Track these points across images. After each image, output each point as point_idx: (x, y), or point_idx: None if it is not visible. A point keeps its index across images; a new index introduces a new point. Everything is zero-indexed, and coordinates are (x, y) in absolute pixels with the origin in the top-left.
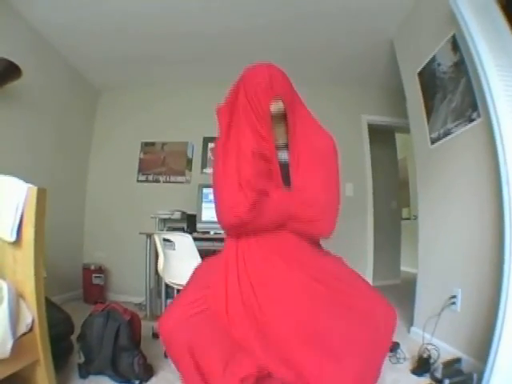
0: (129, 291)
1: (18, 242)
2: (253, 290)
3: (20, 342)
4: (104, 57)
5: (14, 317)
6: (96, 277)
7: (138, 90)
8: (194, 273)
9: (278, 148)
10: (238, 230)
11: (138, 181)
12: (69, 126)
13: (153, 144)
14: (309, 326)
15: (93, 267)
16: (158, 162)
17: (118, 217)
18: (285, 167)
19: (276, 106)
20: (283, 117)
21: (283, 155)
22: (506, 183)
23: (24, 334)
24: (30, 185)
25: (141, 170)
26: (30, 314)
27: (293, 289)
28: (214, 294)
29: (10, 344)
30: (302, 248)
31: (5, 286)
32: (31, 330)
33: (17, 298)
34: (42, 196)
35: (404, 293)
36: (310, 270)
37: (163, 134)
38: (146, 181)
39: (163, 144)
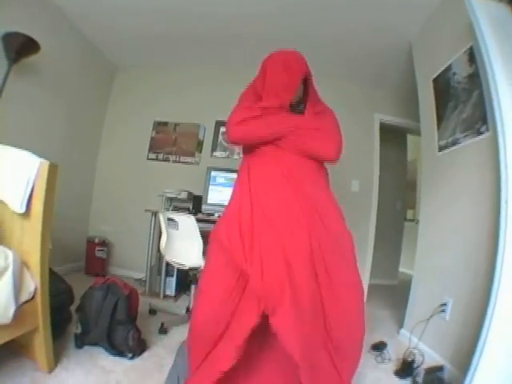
0: (130, 266)
1: (26, 213)
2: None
3: (22, 309)
4: (122, 34)
5: (18, 284)
6: (99, 250)
7: (154, 70)
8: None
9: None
10: (242, 128)
11: (148, 158)
12: (84, 102)
13: (165, 124)
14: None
15: (97, 240)
16: (169, 141)
17: (125, 193)
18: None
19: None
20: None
21: (299, 107)
22: (504, 201)
23: (26, 302)
24: (42, 159)
25: (152, 149)
26: (33, 283)
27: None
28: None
29: (12, 310)
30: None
31: (10, 254)
32: (33, 298)
33: (21, 266)
34: (53, 171)
35: (399, 294)
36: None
37: (176, 115)
38: (156, 159)
39: (176, 124)
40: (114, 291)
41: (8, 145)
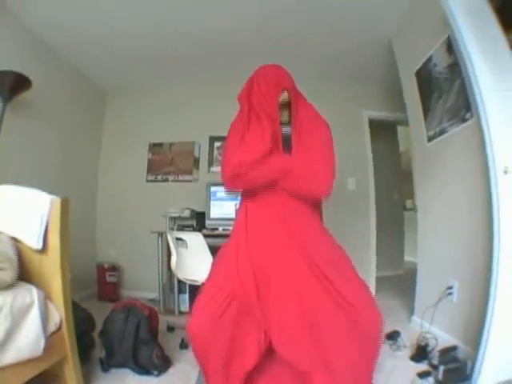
0: (141, 287)
1: (43, 248)
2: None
3: (50, 341)
4: (110, 59)
5: (45, 317)
6: (110, 275)
7: (144, 91)
8: (212, 265)
9: (282, 124)
10: (236, 181)
11: (147, 181)
12: (78, 130)
13: (160, 145)
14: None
15: (106, 265)
16: (166, 161)
17: (129, 216)
18: (287, 139)
19: (282, 96)
20: (288, 104)
21: (286, 129)
22: (494, 181)
23: (53, 333)
24: (53, 196)
25: (150, 170)
26: (57, 314)
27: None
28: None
29: (42, 343)
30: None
31: (34, 289)
32: (59, 328)
33: (45, 299)
34: (65, 205)
35: (407, 283)
36: (308, 250)
37: (170, 135)
38: (155, 180)
39: (171, 144)
40: (135, 313)
41: (9, 182)
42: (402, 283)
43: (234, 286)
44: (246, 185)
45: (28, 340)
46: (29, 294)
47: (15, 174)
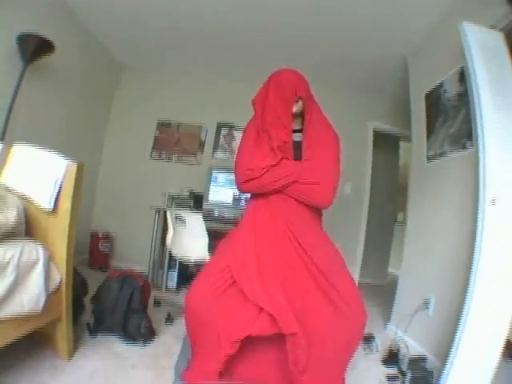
0: (132, 260)
1: (53, 211)
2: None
3: (49, 299)
4: (130, 35)
5: (48, 276)
6: (103, 244)
7: (160, 71)
8: (219, 247)
9: (294, 131)
10: (250, 184)
11: (151, 157)
12: (90, 100)
13: (169, 124)
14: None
15: (100, 235)
16: (172, 141)
17: (128, 190)
18: (297, 145)
19: (297, 106)
20: (301, 114)
21: (297, 137)
22: (481, 209)
23: (52, 293)
24: (69, 161)
25: (155, 148)
26: (58, 275)
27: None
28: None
29: (43, 300)
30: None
31: (40, 249)
32: (58, 289)
33: (49, 259)
34: (80, 171)
35: (387, 293)
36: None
37: (179, 116)
38: (159, 159)
39: (179, 125)
40: (130, 282)
41: (19, 140)
42: (382, 293)
43: (237, 271)
44: (258, 189)
45: (30, 296)
46: (35, 251)
47: (25, 133)
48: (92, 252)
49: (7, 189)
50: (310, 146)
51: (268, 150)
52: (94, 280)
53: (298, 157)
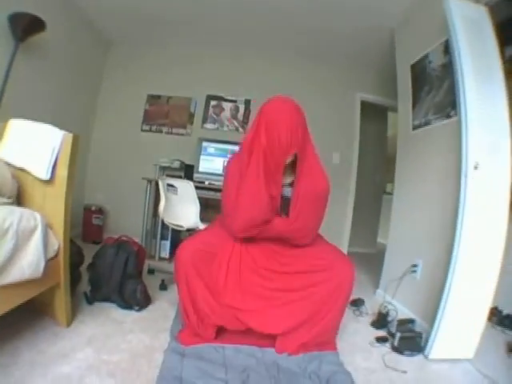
0: (125, 232)
1: (50, 180)
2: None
3: (48, 265)
4: (118, 9)
5: (46, 242)
6: (96, 217)
7: (148, 45)
8: (213, 224)
9: (283, 186)
10: (246, 233)
11: (142, 130)
12: (79, 75)
13: (158, 97)
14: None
15: (93, 208)
16: (162, 113)
17: (120, 162)
18: (286, 200)
19: (290, 158)
20: (293, 163)
21: (287, 192)
22: (464, 175)
23: (51, 259)
24: (64, 131)
25: (145, 121)
26: (56, 242)
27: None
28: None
29: (42, 265)
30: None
31: (38, 215)
32: (56, 255)
33: (46, 226)
34: (76, 141)
35: (376, 261)
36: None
37: (169, 89)
38: (150, 131)
39: (168, 98)
40: (125, 248)
41: (13, 115)
42: (372, 261)
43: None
44: (254, 235)
45: (30, 261)
46: (33, 218)
47: (18, 110)
48: (85, 226)
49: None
50: (297, 203)
51: (257, 201)
52: (89, 252)
53: (284, 209)
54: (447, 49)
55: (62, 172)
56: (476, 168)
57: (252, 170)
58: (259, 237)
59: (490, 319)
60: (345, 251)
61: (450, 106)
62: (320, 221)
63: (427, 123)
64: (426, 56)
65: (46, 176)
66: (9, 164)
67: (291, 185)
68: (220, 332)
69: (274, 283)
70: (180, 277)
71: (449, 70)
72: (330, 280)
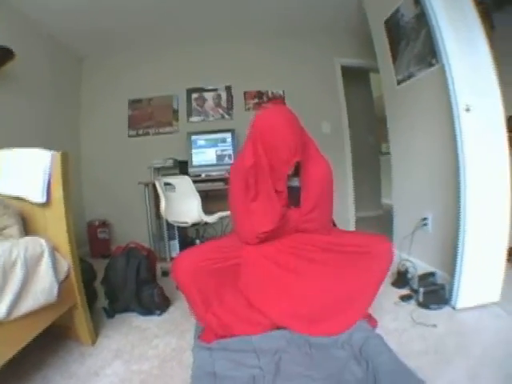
0: (132, 239)
1: (48, 202)
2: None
3: (61, 288)
4: (82, 25)
5: (55, 265)
6: (101, 231)
7: (119, 52)
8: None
9: (289, 176)
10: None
11: (129, 136)
12: (57, 97)
13: (139, 100)
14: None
15: (97, 223)
16: (146, 116)
17: (113, 172)
18: (293, 190)
19: (292, 167)
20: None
21: (292, 181)
22: (457, 118)
23: (63, 281)
24: (52, 151)
25: (130, 126)
26: (65, 263)
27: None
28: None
29: (55, 288)
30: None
31: (42, 241)
32: (68, 276)
33: (53, 250)
34: (65, 158)
35: (386, 222)
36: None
37: (149, 90)
38: (137, 135)
39: (149, 99)
40: (134, 254)
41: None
42: (381, 222)
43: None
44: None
45: (43, 287)
46: (38, 244)
47: (2, 140)
48: (92, 242)
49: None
50: (308, 194)
51: (270, 209)
52: (100, 267)
53: (294, 199)
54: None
55: (58, 191)
56: (468, 110)
57: (263, 193)
58: (276, 235)
59: (508, 260)
60: (352, 216)
61: (429, 54)
62: (332, 206)
63: (411, 76)
64: (398, 10)
65: (42, 199)
66: (3, 195)
67: (295, 174)
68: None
69: (303, 277)
70: (182, 289)
71: (422, 20)
72: (369, 258)
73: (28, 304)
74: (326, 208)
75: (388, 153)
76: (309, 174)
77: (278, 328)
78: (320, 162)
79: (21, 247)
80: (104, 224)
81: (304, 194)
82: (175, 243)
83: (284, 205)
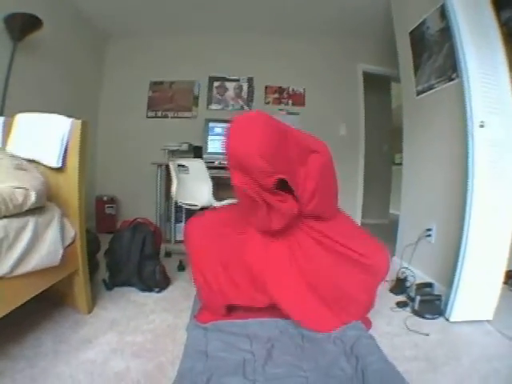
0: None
1: (62, 168)
2: None
3: (65, 253)
4: (111, 4)
5: (63, 230)
6: (109, 207)
7: (146, 34)
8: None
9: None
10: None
11: (147, 117)
12: (81, 70)
13: (161, 83)
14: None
15: (105, 198)
16: (166, 99)
17: (128, 150)
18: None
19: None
20: None
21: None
22: (471, 134)
23: (68, 246)
24: (72, 119)
25: (150, 107)
26: (72, 230)
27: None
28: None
29: (60, 252)
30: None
31: (54, 206)
32: (73, 243)
33: (62, 215)
34: (85, 127)
35: (390, 230)
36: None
37: (171, 74)
38: (155, 117)
39: (171, 83)
40: (141, 229)
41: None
42: (386, 231)
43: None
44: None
45: (49, 250)
46: (50, 210)
47: (22, 107)
48: (98, 216)
49: (15, 157)
50: (305, 185)
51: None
52: (104, 241)
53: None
54: (443, 14)
55: (74, 159)
56: (482, 126)
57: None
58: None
59: (506, 282)
60: (358, 222)
61: (450, 69)
62: (336, 186)
63: (430, 88)
64: (424, 22)
65: (57, 164)
66: (17, 156)
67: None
68: (239, 310)
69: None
70: (190, 251)
71: (447, 33)
72: (365, 269)
73: (32, 264)
74: (327, 190)
75: (401, 163)
76: (301, 179)
77: (273, 307)
78: (319, 147)
79: (33, 211)
80: (112, 200)
81: (299, 191)
82: (181, 226)
83: (285, 200)
